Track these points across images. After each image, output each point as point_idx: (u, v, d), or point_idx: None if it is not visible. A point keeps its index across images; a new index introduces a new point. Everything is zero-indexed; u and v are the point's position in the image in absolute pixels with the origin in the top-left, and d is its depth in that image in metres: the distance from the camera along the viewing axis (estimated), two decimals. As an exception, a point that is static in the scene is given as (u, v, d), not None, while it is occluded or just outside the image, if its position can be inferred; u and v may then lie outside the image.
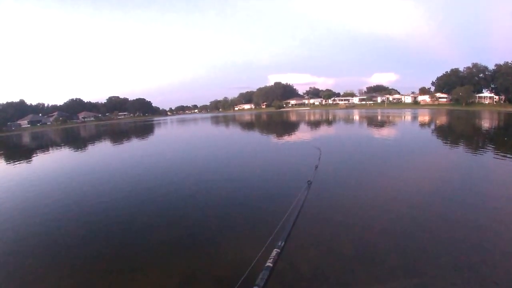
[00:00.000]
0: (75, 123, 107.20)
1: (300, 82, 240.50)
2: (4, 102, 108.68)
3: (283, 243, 1.20)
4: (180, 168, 13.04)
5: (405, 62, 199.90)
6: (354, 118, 45.39)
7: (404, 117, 43.73)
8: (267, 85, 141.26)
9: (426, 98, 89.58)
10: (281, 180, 9.90)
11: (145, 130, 47.39)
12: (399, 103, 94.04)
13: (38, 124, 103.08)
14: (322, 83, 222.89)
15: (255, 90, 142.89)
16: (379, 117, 43.96)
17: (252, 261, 1.28)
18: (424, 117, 42.61)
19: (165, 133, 41.26)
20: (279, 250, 1.16)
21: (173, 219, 7.01)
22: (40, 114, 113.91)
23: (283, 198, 7.46)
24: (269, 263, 1.06)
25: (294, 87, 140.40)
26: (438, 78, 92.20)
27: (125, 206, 8.03)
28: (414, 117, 42.58)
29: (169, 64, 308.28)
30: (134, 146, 24.73)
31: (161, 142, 28.29)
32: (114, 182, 11.08)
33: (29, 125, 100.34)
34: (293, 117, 56.55)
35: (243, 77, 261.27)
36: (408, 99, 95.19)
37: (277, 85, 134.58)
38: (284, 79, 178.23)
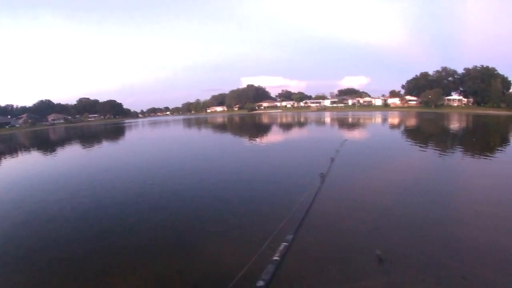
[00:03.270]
0: (44, 126, 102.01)
1: (273, 84, 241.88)
2: None
3: (293, 236, 0.84)
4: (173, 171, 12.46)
5: (376, 66, 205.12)
6: (326, 120, 45.85)
7: (375, 119, 44.31)
8: (240, 87, 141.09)
9: (396, 101, 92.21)
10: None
11: (118, 133, 45.54)
12: (369, 106, 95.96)
13: (7, 126, 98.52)
14: (295, 86, 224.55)
15: (227, 92, 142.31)
16: (350, 120, 44.38)
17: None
18: (394, 119, 43.45)
19: (137, 136, 39.71)
20: (287, 244, 0.83)
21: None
22: (9, 116, 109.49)
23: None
24: (276, 257, 0.78)
25: (267, 90, 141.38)
26: (408, 82, 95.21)
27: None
28: (384, 119, 43.37)
29: (141, 65, 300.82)
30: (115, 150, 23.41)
31: (135, 145, 26.99)
32: (99, 182, 11.01)
33: None
34: (265, 120, 56.36)
35: (216, 79, 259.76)
36: (378, 102, 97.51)
37: (250, 87, 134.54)
38: (257, 82, 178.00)
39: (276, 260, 0.72)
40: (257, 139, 23.43)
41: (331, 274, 4.00)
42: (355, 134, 23.90)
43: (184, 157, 16.55)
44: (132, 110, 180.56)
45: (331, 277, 3.95)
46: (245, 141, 23.26)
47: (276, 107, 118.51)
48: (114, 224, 6.77)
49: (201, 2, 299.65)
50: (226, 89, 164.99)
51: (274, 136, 24.54)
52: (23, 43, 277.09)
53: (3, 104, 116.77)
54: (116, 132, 46.29)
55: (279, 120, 50.66)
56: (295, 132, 28.65)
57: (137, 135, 40.10)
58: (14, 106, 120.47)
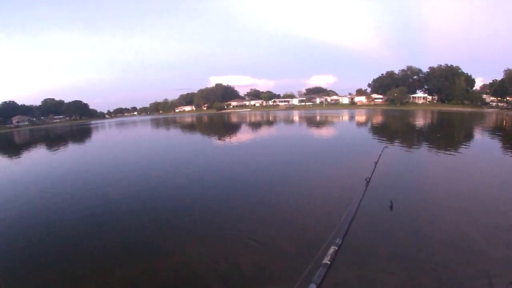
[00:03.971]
0: (8, 129, 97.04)
1: (241, 84, 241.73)
2: None
3: (341, 240, 1.17)
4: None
5: (343, 65, 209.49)
6: (294, 119, 46.08)
7: (342, 117, 45.09)
8: (208, 86, 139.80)
9: (362, 99, 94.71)
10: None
11: (87, 134, 43.92)
12: (337, 104, 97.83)
13: None
14: (263, 85, 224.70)
15: (196, 91, 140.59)
16: (317, 118, 44.97)
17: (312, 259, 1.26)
18: (361, 117, 44.44)
19: (102, 137, 38.24)
20: (336, 248, 1.11)
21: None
22: None
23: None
24: (326, 261, 1.03)
25: (235, 89, 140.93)
26: (374, 80, 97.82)
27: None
28: (352, 117, 44.19)
29: (107, 64, 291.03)
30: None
31: (101, 148, 25.88)
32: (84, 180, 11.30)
33: None
34: (234, 119, 55.97)
35: (184, 78, 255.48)
36: (345, 100, 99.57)
37: (218, 86, 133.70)
38: (225, 81, 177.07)
39: (326, 263, 0.58)
40: (230, 137, 23.04)
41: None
42: (324, 132, 23.92)
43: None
44: (98, 111, 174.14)
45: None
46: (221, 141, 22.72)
47: (244, 106, 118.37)
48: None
49: (170, 3, 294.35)
50: (194, 89, 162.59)
51: (246, 136, 24.12)
52: None
53: None
54: (83, 134, 44.53)
55: (248, 119, 50.41)
56: (265, 131, 28.28)
57: (106, 137, 38.62)
58: None
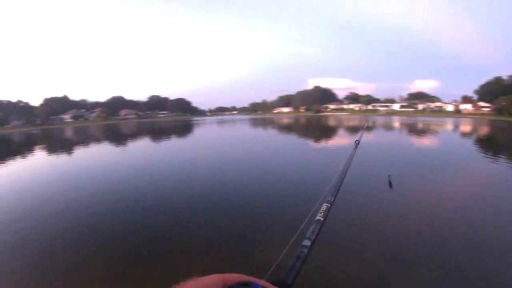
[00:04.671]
0: (116, 120, 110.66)
1: (340, 86, 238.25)
2: (49, 97, 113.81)
3: (333, 198, 1.24)
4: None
5: (447, 69, 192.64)
6: (394, 125, 44.74)
7: (447, 126, 42.01)
8: (307, 88, 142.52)
9: (468, 107, 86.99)
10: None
11: (187, 129, 49.02)
12: (440, 111, 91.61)
13: (81, 119, 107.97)
14: (362, 88, 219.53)
15: (294, 93, 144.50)
16: (419, 126, 42.72)
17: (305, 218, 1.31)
18: (466, 127, 40.63)
19: (203, 133, 41.33)
20: (329, 205, 1.17)
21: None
22: (83, 110, 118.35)
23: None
24: (319, 217, 1.08)
25: (334, 92, 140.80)
26: (481, 86, 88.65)
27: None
28: (456, 127, 40.67)
29: (210, 65, 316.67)
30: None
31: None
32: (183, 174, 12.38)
33: (71, 120, 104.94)
34: (333, 122, 55.58)
35: (283, 80, 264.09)
36: (449, 108, 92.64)
37: (317, 89, 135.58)
38: (324, 83, 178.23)
39: (319, 220, 1.11)
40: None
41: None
42: (427, 142, 22.97)
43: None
44: (200, 109, 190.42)
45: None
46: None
47: (342, 109, 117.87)
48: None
49: (271, 3, 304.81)
50: (292, 90, 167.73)
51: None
52: (99, 44, 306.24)
53: (78, 99, 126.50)
54: (186, 129, 49.36)
55: (348, 123, 50.42)
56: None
57: (210, 132, 41.76)
58: (88, 101, 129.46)
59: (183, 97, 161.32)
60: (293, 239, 1.10)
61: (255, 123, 61.72)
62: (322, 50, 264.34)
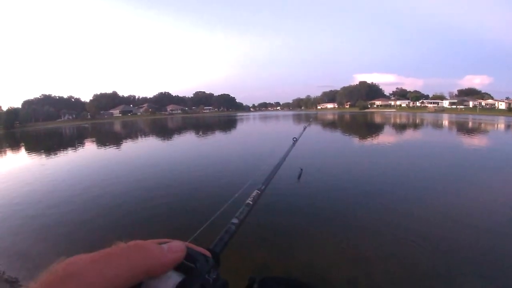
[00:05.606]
0: (163, 115, 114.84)
1: (386, 81, 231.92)
2: (98, 93, 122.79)
3: (264, 186, 1.30)
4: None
5: (500, 63, 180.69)
6: (444, 123, 41.78)
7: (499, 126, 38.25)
8: (352, 84, 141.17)
9: None
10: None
11: (232, 124, 49.88)
12: (492, 109, 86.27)
13: (129, 114, 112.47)
14: (410, 84, 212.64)
15: (338, 89, 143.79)
16: (470, 125, 39.15)
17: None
18: None
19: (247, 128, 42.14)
20: (259, 192, 1.23)
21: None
22: (131, 105, 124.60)
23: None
24: (249, 201, 1.12)
25: (380, 87, 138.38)
26: None
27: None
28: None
29: (254, 62, 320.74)
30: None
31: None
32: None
33: (120, 115, 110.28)
34: (379, 119, 52.57)
35: (327, 76, 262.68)
36: (502, 105, 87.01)
37: (362, 84, 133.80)
38: (370, 79, 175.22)
39: (249, 203, 1.02)
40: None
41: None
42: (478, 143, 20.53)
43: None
44: (244, 104, 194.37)
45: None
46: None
47: (389, 106, 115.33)
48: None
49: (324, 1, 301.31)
50: (337, 86, 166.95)
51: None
52: (147, 43, 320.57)
53: (126, 95, 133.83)
54: (230, 124, 50.41)
55: (395, 121, 47.91)
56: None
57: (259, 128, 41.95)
58: (136, 97, 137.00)
59: (227, 93, 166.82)
60: (219, 212, 1.29)
61: (297, 119, 61.67)
62: (369, 45, 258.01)
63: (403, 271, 4.48)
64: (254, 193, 1.22)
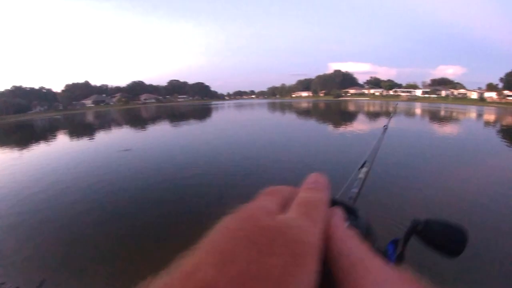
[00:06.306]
0: (136, 104, 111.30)
1: (361, 70, 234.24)
2: (70, 83, 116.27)
3: (371, 164, 1.40)
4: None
5: (473, 55, 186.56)
6: (416, 111, 42.80)
7: (470, 115, 40.20)
8: (327, 73, 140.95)
9: (493, 95, 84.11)
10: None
11: (206, 113, 48.94)
12: (464, 99, 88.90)
13: (102, 104, 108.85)
14: (384, 73, 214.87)
15: (313, 77, 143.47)
16: (442, 113, 40.78)
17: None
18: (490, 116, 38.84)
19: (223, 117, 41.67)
20: (368, 169, 1.38)
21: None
22: (104, 95, 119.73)
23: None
24: (361, 175, 1.28)
25: (354, 76, 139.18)
26: (507, 74, 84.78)
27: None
28: (480, 116, 38.84)
29: (228, 49, 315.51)
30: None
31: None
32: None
33: (93, 105, 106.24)
34: (354, 107, 52.67)
35: (302, 64, 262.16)
36: (473, 95, 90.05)
37: (337, 73, 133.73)
38: (344, 68, 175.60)
39: (361, 178, 1.35)
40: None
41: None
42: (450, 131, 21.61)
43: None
44: (219, 93, 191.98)
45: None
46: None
47: (363, 94, 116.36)
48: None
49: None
50: (312, 74, 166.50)
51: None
52: (120, 30, 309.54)
53: (98, 84, 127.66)
54: (204, 112, 49.54)
55: (369, 109, 47.75)
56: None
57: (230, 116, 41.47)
58: (109, 86, 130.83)
59: (202, 81, 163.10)
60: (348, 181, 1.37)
61: (272, 107, 60.66)
62: (343, 34, 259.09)
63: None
64: (364, 169, 1.43)
